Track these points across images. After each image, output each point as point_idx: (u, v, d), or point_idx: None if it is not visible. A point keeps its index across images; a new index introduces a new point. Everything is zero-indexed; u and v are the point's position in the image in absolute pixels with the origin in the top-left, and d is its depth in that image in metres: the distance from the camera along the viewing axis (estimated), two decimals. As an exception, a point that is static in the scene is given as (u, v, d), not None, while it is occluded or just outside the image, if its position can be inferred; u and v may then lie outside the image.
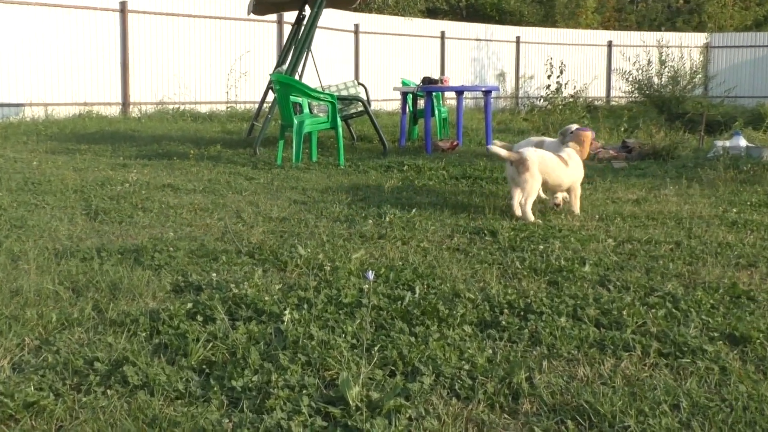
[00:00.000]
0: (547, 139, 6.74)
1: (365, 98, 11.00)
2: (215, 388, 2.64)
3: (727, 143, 9.94)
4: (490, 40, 22.28)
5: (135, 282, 3.75)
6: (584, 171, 6.27)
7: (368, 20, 19.75)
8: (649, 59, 18.75)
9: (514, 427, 2.46)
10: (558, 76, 14.30)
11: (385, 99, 19.33)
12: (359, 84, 11.82)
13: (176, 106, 15.82)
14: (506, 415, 2.53)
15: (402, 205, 6.13)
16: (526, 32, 23.03)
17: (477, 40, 22.03)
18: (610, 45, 23.86)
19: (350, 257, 4.29)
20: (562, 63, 14.66)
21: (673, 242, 4.88)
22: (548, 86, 14.59)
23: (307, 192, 6.84)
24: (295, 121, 8.71)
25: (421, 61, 20.63)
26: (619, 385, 2.72)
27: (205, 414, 2.46)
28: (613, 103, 22.93)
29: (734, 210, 6.07)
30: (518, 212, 5.69)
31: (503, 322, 3.28)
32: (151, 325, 3.19)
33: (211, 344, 2.98)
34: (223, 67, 16.75)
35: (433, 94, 11.56)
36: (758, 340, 3.12)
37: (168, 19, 15.85)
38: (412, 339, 3.06)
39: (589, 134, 6.17)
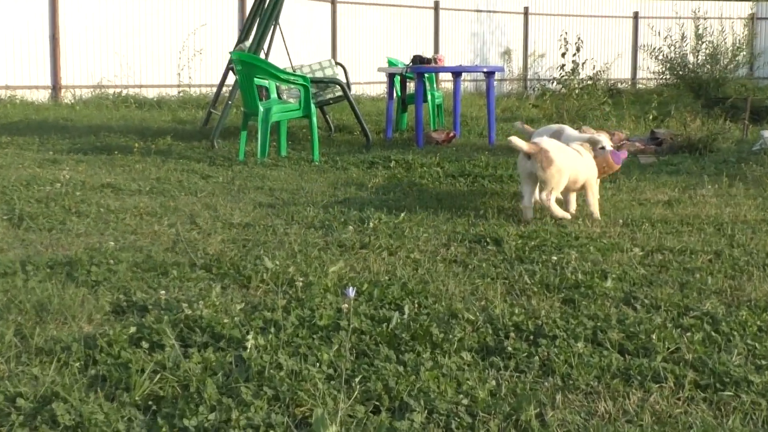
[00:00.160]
0: (568, 128, 6.76)
1: (344, 81, 11.00)
2: (164, 429, 2.62)
3: (776, 134, 10.03)
4: (494, 12, 22.36)
5: (67, 302, 3.73)
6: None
7: (348, -13, 19.80)
8: (683, 33, 18.84)
9: (523, 473, 2.47)
10: (574, 54, 14.32)
11: (369, 82, 19.35)
12: (337, 64, 11.84)
13: (118, 90, 15.78)
14: (513, 460, 2.54)
15: (388, 209, 6.14)
16: (536, 1, 23.12)
17: (477, 11, 22.10)
18: (636, 17, 23.98)
19: (326, 271, 4.29)
20: (578, 38, 14.67)
21: (712, 252, 4.90)
22: (562, 66, 14.61)
23: (275, 193, 6.83)
24: (261, 109, 8.71)
25: (411, 37, 20.67)
26: (647, 423, 2.73)
27: (151, 460, 2.46)
28: (640, 86, 23.05)
29: (784, 213, 6.13)
30: (529, 216, 5.72)
31: (509, 348, 3.28)
32: (86, 354, 3.17)
33: (158, 376, 2.96)
34: (174, 44, 16.73)
35: (425, 75, 11.58)
36: (813, 368, 3.14)
37: (107, -15, 15.85)
38: (400, 368, 3.06)
39: (611, 162, 6.17)
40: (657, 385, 3.00)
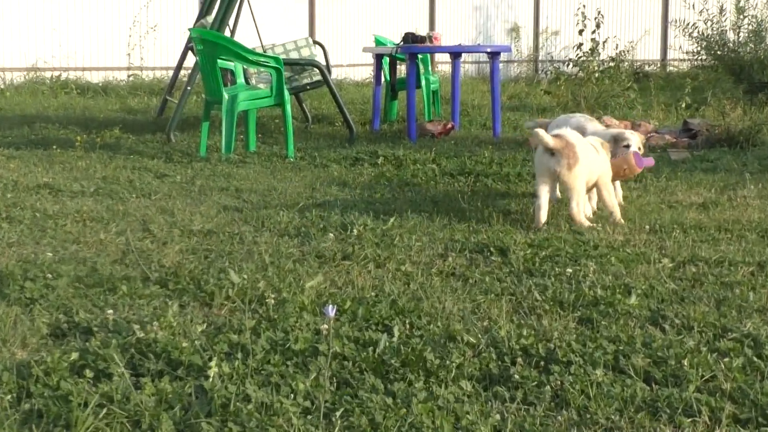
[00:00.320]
0: (590, 124, 6.76)
1: (324, 63, 11.02)
2: (111, 473, 2.63)
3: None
4: (499, -19, 22.43)
5: (-3, 323, 3.73)
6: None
7: (328, -47, 19.82)
8: (721, 6, 18.87)
9: None
10: (593, 32, 14.34)
11: (352, 64, 19.37)
12: (315, 43, 11.85)
13: (56, 73, 15.76)
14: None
15: (375, 213, 6.15)
16: (550, -30, 23.20)
17: (481, -20, 22.17)
18: (666, -12, 24.09)
19: (303, 286, 4.29)
20: (599, 13, 14.68)
21: (755, 263, 4.92)
22: (579, 45, 14.63)
23: (243, 194, 6.84)
24: (225, 96, 8.71)
25: (403, 12, 20.71)
26: (677, 463, 2.74)
27: None
28: (671, 68, 23.12)
29: (838, 218, 6.16)
30: (542, 219, 5.76)
31: (516, 377, 3.30)
32: (19, 384, 3.17)
33: (105, 410, 2.96)
34: (123, 19, 16.72)
35: (419, 56, 11.62)
36: None
37: (44, -50, 15.82)
38: (389, 400, 3.07)
39: (633, 164, 6.20)
40: (689, 420, 3.01)
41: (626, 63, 17.59)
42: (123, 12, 16.69)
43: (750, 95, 14.15)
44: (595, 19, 14.41)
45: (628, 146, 6.30)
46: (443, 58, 19.14)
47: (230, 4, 10.09)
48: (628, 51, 17.61)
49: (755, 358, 3.49)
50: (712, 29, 18.15)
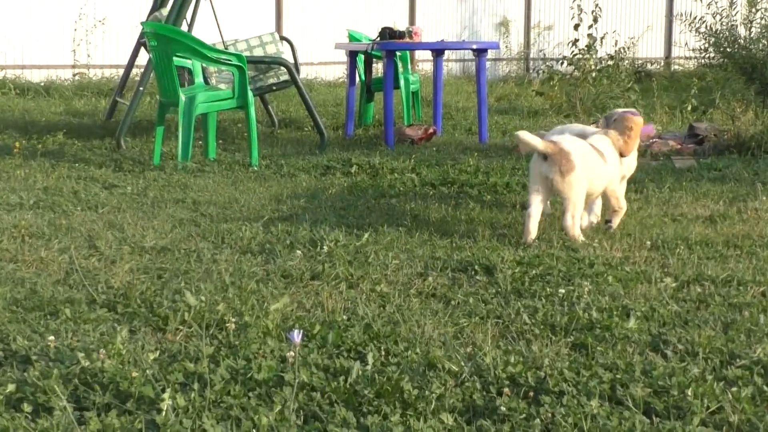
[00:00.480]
0: (590, 128, 6.81)
1: (292, 61, 11.03)
2: None
3: None
4: (487, -29, 22.50)
5: (-75, 351, 3.72)
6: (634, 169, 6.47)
7: (296, -61, 19.84)
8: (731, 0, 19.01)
9: None
10: (590, 26, 14.39)
11: (323, 62, 19.38)
12: (282, 39, 11.87)
13: (-7, 72, 15.71)
14: None
15: (348, 227, 6.16)
16: (542, -42, 23.29)
17: (466, -30, 22.24)
18: (670, -22, 24.22)
19: (267, 309, 4.30)
20: (596, 6, 14.74)
21: (767, 283, 4.95)
22: (575, 42, 14.68)
23: (201, 207, 6.83)
24: (182, 97, 8.71)
25: (380, 4, 20.73)
26: (679, 504, 2.76)
27: None
28: (676, 67, 23.24)
29: None
30: (531, 232, 5.80)
31: (502, 408, 3.31)
32: (-49, 419, 3.16)
33: (45, 448, 2.96)
34: (67, 11, 16.68)
35: (398, 54, 11.63)
36: None
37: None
38: (362, 436, 3.08)
39: (639, 121, 6.30)
40: (693, 455, 3.03)
41: (626, 61, 17.66)
42: (67, 3, 16.65)
43: (762, 97, 14.20)
44: (593, 12, 14.44)
45: (615, 119, 6.37)
46: (424, 55, 19.18)
47: (187, -4, 10.09)
48: (628, 48, 17.68)
49: (766, 387, 3.51)
50: (721, 24, 18.23)
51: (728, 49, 18.10)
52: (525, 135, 5.83)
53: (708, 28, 18.36)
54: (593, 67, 14.39)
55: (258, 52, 11.19)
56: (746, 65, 17.46)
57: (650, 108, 13.44)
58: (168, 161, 8.74)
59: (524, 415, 3.28)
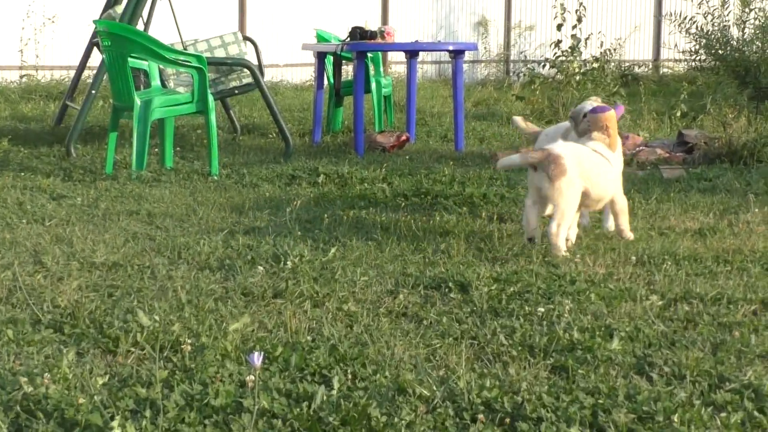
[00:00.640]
0: (589, 104, 6.87)
1: (256, 62, 11.02)
2: None
3: None
4: (464, -33, 22.55)
5: None
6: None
7: (261, -68, 19.83)
8: (723, -2, 19.10)
9: None
10: (574, 27, 14.47)
11: (290, 64, 19.38)
12: (245, 39, 11.84)
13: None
14: None
15: (314, 242, 6.16)
16: (523, -46, 23.35)
17: (442, -34, 22.28)
18: (659, -25, 24.33)
19: (225, 329, 4.29)
20: (581, 5, 14.83)
21: (758, 301, 4.97)
22: (558, 43, 14.75)
23: (156, 220, 6.82)
24: (138, 101, 8.69)
25: (350, 2, 20.74)
26: None
27: None
28: (665, 70, 23.33)
29: None
30: (532, 226, 5.93)
31: (477, 436, 3.31)
32: None
33: (-15, 480, 2.95)
34: (13, 7, 16.61)
35: (369, 55, 11.64)
36: None
37: None
38: (326, 466, 3.08)
39: (610, 115, 6.34)
40: (678, 485, 3.04)
41: (612, 64, 17.74)
42: (15, 1, 16.59)
43: (756, 102, 14.26)
44: (577, 11, 14.52)
45: (585, 115, 6.44)
46: (397, 57, 19.22)
47: (143, -7, 10.08)
48: (614, 49, 17.77)
49: (756, 413, 3.53)
50: (712, 25, 18.31)
51: (720, 52, 18.17)
52: (503, 162, 5.94)
53: (699, 28, 18.43)
54: (577, 70, 14.46)
55: (219, 53, 11.18)
56: (739, 68, 17.53)
57: (637, 114, 13.51)
58: (121, 170, 8.71)
59: (499, 442, 3.28)
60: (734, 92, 15.40)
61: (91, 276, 5.28)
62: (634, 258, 5.84)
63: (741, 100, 14.18)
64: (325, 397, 3.54)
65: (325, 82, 11.79)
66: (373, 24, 16.56)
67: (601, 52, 16.10)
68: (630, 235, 6.34)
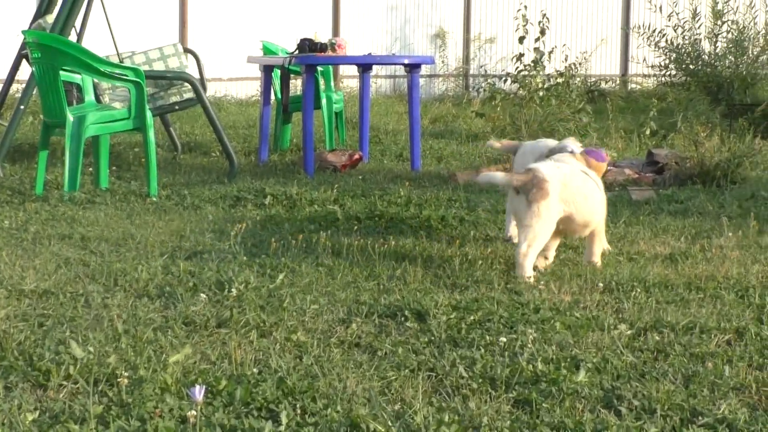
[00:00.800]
0: (571, 144, 6.92)
1: (197, 76, 11.00)
2: None
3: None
4: (421, -24, 22.62)
5: None
6: None
7: (203, -63, 19.83)
8: (694, 9, 19.19)
9: None
10: (537, 39, 14.56)
11: (234, 78, 19.35)
12: (186, 51, 11.83)
13: None
14: None
15: (261, 267, 6.15)
16: (483, -38, 23.46)
17: (397, -26, 22.34)
18: (627, -15, 24.50)
19: (165, 361, 4.27)
20: (544, 17, 14.93)
21: (732, 330, 5.01)
22: (520, 56, 14.84)
23: (91, 244, 6.78)
24: (70, 117, 8.65)
25: (299, 12, 20.75)
26: None
27: None
28: (633, 86, 23.45)
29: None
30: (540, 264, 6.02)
31: (435, 474, 3.31)
32: None
33: None
34: (-63, 18, 16.51)
35: (319, 69, 11.65)
36: None
37: None
38: (274, 507, 3.07)
39: (601, 166, 6.49)
40: None
41: (578, 79, 17.82)
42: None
43: (729, 120, 14.40)
44: (540, 23, 14.61)
45: (572, 152, 6.52)
46: (349, 71, 19.24)
47: (76, 1, 10.03)
48: (580, 64, 17.85)
49: (731, 449, 3.56)
50: (683, 38, 18.46)
51: (691, 66, 18.35)
52: (488, 176, 5.98)
53: (668, 42, 18.60)
54: (540, 85, 14.53)
55: (159, 66, 11.16)
56: (711, 84, 17.71)
57: (604, 132, 13.58)
58: (53, 191, 8.66)
59: (459, 481, 3.29)
60: (706, 109, 15.55)
61: (20, 304, 5.23)
62: (601, 285, 5.87)
63: (713, 118, 14.32)
64: (272, 434, 3.53)
65: (272, 97, 11.79)
66: (323, 35, 16.60)
67: (565, 67, 16.18)
68: (598, 261, 6.39)
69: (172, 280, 5.80)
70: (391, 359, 4.50)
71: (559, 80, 15.09)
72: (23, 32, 9.54)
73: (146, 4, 18.51)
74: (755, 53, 18.02)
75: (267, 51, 12.75)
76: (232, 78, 19.29)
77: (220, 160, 11.10)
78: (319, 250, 6.73)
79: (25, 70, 10.99)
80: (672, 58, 18.54)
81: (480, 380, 4.21)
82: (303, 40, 10.96)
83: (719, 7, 18.23)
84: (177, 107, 11.03)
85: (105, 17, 10.66)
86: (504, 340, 4.73)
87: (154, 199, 8.56)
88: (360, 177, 10.11)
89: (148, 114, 8.88)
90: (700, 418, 3.83)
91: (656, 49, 18.73)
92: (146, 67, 10.86)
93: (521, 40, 14.49)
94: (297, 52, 10.87)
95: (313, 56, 10.71)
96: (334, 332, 4.91)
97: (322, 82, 12.10)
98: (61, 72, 8.80)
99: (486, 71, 21.60)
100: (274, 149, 11.99)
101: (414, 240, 7.11)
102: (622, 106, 17.86)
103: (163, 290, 5.58)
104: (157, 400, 3.83)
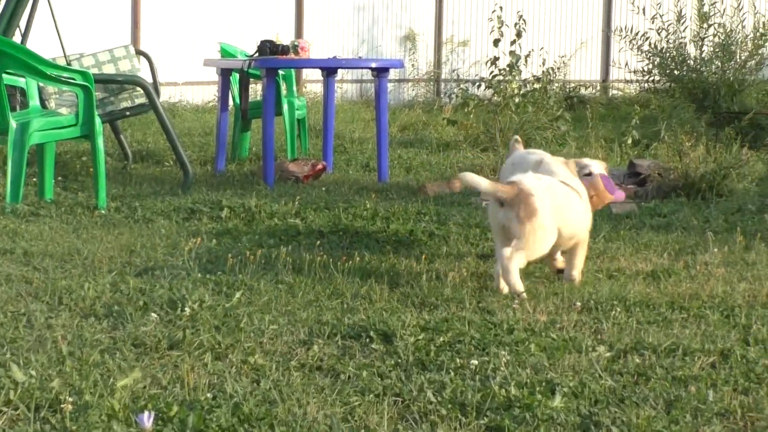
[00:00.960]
0: (548, 156, 6.95)
1: (150, 80, 10.98)
2: None
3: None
4: (389, -26, 22.65)
5: None
6: None
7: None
8: (679, 12, 19.25)
9: None
10: (513, 42, 14.58)
11: (190, 82, 19.34)
12: (138, 53, 11.80)
13: None
14: None
15: (217, 285, 6.14)
16: (456, -40, 23.50)
17: (364, -28, 22.37)
18: (608, -15, 24.58)
19: (113, 386, 4.26)
20: (520, 18, 14.94)
21: (717, 352, 5.03)
22: (494, 60, 14.87)
23: (34, 260, 6.75)
24: (13, 124, 8.61)
25: (260, 12, 20.74)
26: None
27: None
28: (615, 92, 23.53)
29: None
30: (512, 287, 5.99)
31: (400, 506, 3.31)
32: None
33: None
34: None
35: (280, 73, 11.65)
36: None
37: None
38: None
39: (608, 198, 6.57)
40: None
41: (556, 84, 17.88)
42: None
43: (715, 129, 14.43)
44: (516, 25, 14.62)
45: (590, 174, 6.58)
46: (313, 75, 19.25)
47: (20, 1, 10.00)
48: (558, 68, 17.95)
49: (715, 478, 3.57)
50: (667, 41, 18.51)
51: (675, 72, 18.38)
52: (470, 177, 5.99)
53: (652, 46, 18.64)
54: (516, 91, 14.55)
55: (109, 69, 11.12)
56: (696, 91, 17.76)
57: (584, 141, 13.61)
58: (-6, 203, 8.64)
59: None
60: (691, 117, 15.58)
61: (-43, 324, 5.22)
62: (579, 304, 5.89)
63: (699, 127, 14.35)
64: (227, 463, 3.53)
65: (231, 102, 11.78)
66: (285, 37, 16.64)
67: (543, 71, 16.26)
68: (578, 276, 6.42)
69: (120, 298, 5.78)
70: (355, 383, 4.49)
71: (536, 86, 15.13)
72: (-37, 33, 9.51)
73: (96, 3, 18.47)
74: (743, 58, 18.05)
75: (225, 53, 12.74)
76: (188, 82, 19.27)
77: (174, 170, 11.08)
78: (279, 266, 6.72)
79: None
80: (655, 62, 18.56)
81: (449, 406, 4.21)
82: (263, 42, 10.95)
83: (705, 9, 18.26)
84: (128, 113, 10.99)
85: (51, 17, 10.62)
86: (475, 362, 4.74)
87: (103, 211, 8.53)
88: (323, 188, 10.10)
89: (97, 120, 8.84)
90: (682, 445, 3.85)
91: (639, 53, 18.74)
92: (95, 70, 10.81)
93: (496, 43, 14.49)
94: (257, 54, 10.86)
95: (274, 59, 10.70)
96: (294, 354, 4.90)
97: (283, 86, 12.10)
98: (4, 75, 8.76)
99: (459, 76, 21.58)
100: (232, 158, 11.98)
101: (380, 256, 7.11)
102: (602, 113, 17.95)
103: (111, 309, 5.55)
104: (103, 428, 3.82)
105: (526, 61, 14.70)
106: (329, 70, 12.07)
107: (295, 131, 12.22)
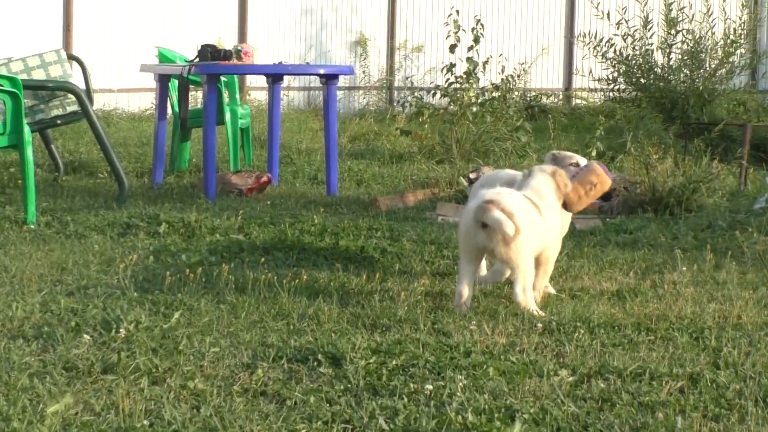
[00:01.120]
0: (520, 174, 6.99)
1: (83, 87, 10.94)
2: None
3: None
4: (339, -25, 22.68)
5: None
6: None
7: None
8: (646, 17, 19.36)
9: None
10: (471, 48, 14.63)
11: (125, 89, 19.27)
12: (71, 58, 11.76)
13: None
14: None
15: (154, 305, 6.13)
16: (409, -40, 23.55)
17: (312, -27, 22.38)
18: (571, -11, 24.71)
19: (43, 412, 4.24)
20: (478, 23, 14.98)
21: (686, 376, 5.06)
22: (451, 67, 14.90)
23: (-43, 278, 6.74)
24: (-65, 132, 8.59)
25: (200, 14, 20.72)
26: None
27: None
28: (578, 101, 23.61)
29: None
30: (464, 309, 6.06)
31: None
32: None
33: None
34: None
35: (222, 79, 11.63)
36: None
37: None
38: None
39: (607, 181, 6.58)
40: None
41: (516, 93, 17.95)
42: None
43: (684, 140, 14.49)
44: (473, 30, 14.65)
45: (577, 164, 6.63)
46: (258, 81, 19.22)
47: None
48: (518, 76, 18.01)
49: None
50: (633, 48, 18.60)
51: (642, 80, 18.48)
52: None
53: (617, 53, 18.74)
54: (474, 99, 14.58)
55: (39, 75, 11.08)
56: (664, 100, 17.85)
57: (545, 152, 13.59)
58: None
59: None
60: (659, 128, 15.69)
61: None
62: (540, 325, 5.90)
63: (667, 138, 14.46)
64: (165, 495, 3.52)
65: (169, 111, 11.75)
66: (228, 42, 16.63)
67: (502, 79, 16.29)
68: (539, 294, 6.45)
69: (51, 319, 5.76)
70: (302, 409, 4.49)
71: (495, 94, 15.18)
72: None
73: (25, 4, 18.40)
74: (713, 66, 18.16)
75: (163, 59, 12.69)
76: (123, 89, 19.20)
77: (109, 183, 11.05)
78: (221, 285, 6.71)
79: None
80: (621, 70, 18.66)
81: (402, 434, 4.22)
82: (204, 47, 10.93)
83: (673, 14, 18.34)
84: (59, 121, 10.94)
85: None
86: (430, 387, 4.74)
87: (32, 226, 8.50)
88: (268, 202, 10.10)
89: (26, 129, 8.82)
90: (649, 475, 3.87)
91: (603, 60, 18.83)
92: (24, 76, 10.77)
93: (452, 48, 14.53)
94: (197, 59, 10.84)
95: (215, 65, 10.68)
96: (236, 379, 4.89)
97: (226, 94, 12.08)
98: (-75, 81, 8.74)
99: (413, 83, 21.65)
100: (171, 170, 11.95)
101: (329, 274, 7.11)
102: (565, 123, 18.01)
103: (40, 330, 5.53)
104: (32, 457, 3.81)
105: (484, 68, 14.74)
106: (275, 76, 12.05)
107: (238, 141, 12.19)
